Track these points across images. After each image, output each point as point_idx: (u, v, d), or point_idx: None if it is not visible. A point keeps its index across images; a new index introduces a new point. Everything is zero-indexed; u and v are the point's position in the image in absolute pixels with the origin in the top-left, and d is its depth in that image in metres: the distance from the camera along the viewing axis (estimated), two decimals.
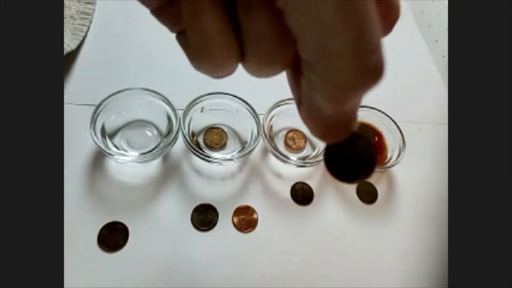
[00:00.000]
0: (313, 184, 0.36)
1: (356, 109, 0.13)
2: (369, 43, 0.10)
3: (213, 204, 0.32)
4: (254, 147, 0.33)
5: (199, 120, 0.35)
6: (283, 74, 0.14)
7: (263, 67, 0.13)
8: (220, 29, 0.12)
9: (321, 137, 0.14)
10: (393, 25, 0.14)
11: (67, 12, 0.41)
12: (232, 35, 0.13)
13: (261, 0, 0.12)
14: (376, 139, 0.39)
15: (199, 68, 0.14)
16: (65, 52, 0.37)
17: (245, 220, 0.32)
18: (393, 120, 0.39)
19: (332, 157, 0.15)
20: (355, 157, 0.14)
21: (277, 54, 0.13)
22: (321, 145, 0.37)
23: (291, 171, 0.36)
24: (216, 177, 0.34)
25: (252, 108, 0.35)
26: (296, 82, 0.14)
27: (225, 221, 0.32)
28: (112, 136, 0.34)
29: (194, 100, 0.34)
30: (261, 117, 0.35)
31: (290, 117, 0.38)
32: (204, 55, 0.13)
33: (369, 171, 0.15)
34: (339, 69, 0.11)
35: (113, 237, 0.29)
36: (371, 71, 0.11)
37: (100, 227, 0.29)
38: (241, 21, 0.13)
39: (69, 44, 0.38)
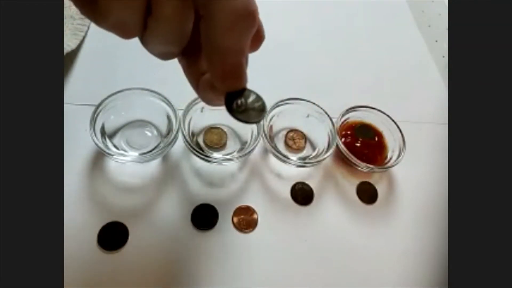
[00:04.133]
0: (313, 184, 0.36)
1: (241, 59, 0.17)
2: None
3: (213, 204, 0.32)
4: (254, 147, 0.33)
5: (199, 120, 0.35)
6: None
7: (162, 39, 0.17)
8: None
9: (222, 80, 0.18)
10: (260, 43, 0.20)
11: (67, 12, 0.41)
12: None
13: None
14: (376, 139, 0.39)
15: (104, 22, 0.16)
16: (65, 52, 0.37)
17: (245, 220, 0.32)
18: (393, 120, 0.39)
19: (230, 102, 0.19)
20: (248, 105, 0.19)
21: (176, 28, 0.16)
22: (321, 146, 0.37)
23: (291, 171, 0.36)
24: (216, 177, 0.34)
25: None
26: (190, 66, 0.21)
27: (225, 221, 0.32)
28: (112, 136, 0.33)
29: (194, 100, 0.34)
30: None
31: (290, 117, 0.38)
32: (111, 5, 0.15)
33: (260, 117, 0.19)
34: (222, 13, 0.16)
35: (113, 237, 0.29)
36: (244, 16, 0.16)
37: (100, 227, 0.29)
38: None
39: (69, 44, 0.38)
